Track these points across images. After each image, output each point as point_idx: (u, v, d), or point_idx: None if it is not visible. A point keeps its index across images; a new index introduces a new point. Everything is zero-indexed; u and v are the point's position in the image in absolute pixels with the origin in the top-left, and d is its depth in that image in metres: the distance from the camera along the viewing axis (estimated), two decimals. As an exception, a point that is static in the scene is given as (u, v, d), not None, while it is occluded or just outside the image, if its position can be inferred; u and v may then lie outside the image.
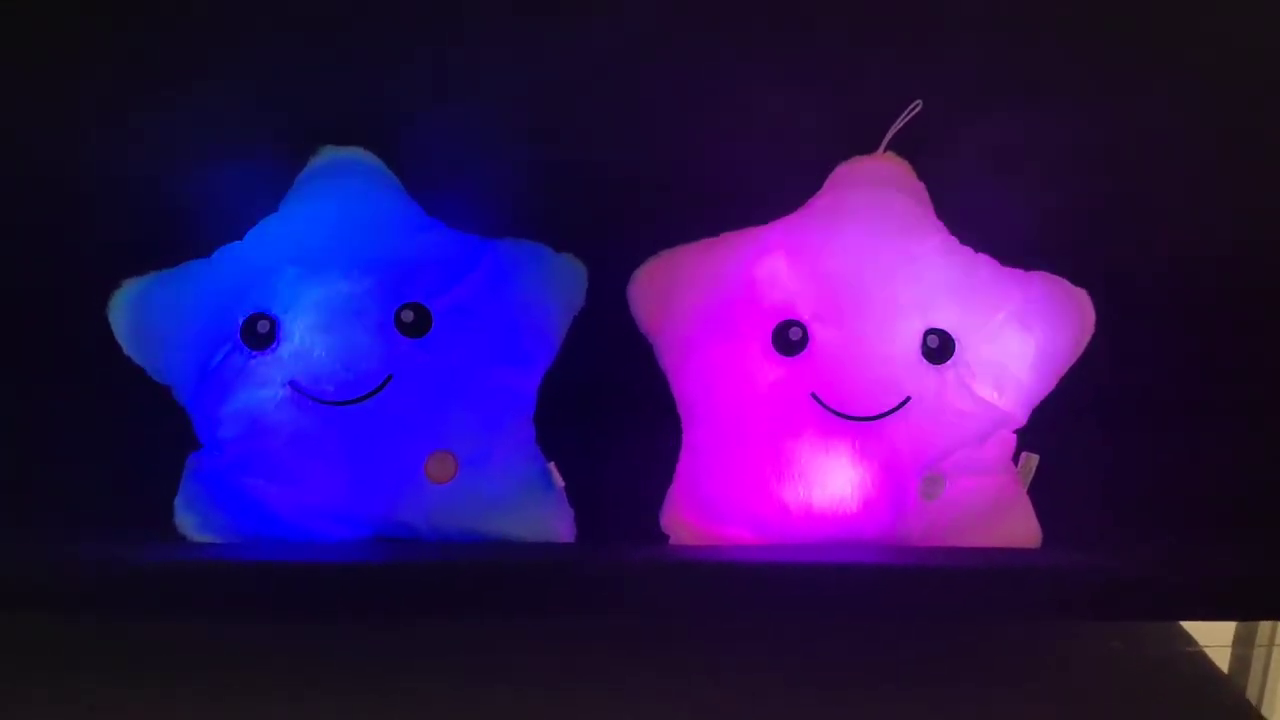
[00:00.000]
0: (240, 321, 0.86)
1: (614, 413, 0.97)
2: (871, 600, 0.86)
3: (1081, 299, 0.92)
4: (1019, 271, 0.92)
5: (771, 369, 0.88)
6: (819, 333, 0.88)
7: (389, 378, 0.86)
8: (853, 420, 0.87)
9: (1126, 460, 1.00)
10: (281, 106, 0.93)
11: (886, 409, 0.87)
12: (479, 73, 0.93)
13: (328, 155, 0.91)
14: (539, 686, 0.90)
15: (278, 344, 0.86)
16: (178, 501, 0.89)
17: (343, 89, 0.93)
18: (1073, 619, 0.93)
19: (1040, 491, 0.94)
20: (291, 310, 0.86)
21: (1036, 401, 0.92)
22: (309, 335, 0.85)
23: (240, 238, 0.89)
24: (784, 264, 0.90)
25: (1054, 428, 0.94)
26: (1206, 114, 0.97)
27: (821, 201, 0.93)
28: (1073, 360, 0.93)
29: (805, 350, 0.88)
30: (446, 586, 0.85)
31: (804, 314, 0.88)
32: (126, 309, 0.88)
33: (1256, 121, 0.97)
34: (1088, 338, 0.93)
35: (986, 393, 0.89)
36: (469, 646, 0.93)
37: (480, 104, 0.94)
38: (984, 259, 0.92)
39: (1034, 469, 0.93)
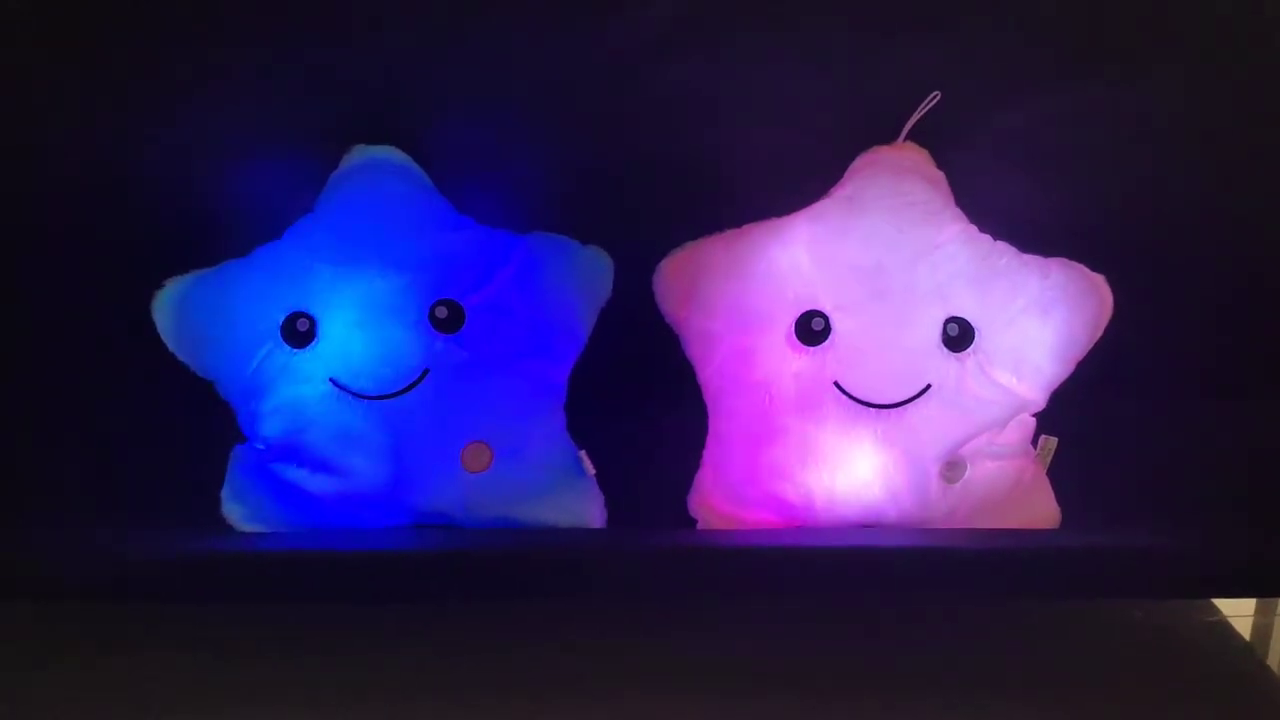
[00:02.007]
0: (280, 320, 0.88)
1: (641, 402, 0.99)
2: (897, 582, 0.88)
3: (1099, 284, 0.93)
4: (1038, 258, 0.93)
5: (795, 358, 0.90)
6: (841, 322, 0.90)
7: (425, 372, 0.89)
8: (875, 408, 0.89)
9: (1144, 441, 1.01)
10: (314, 106, 0.95)
11: (908, 397, 0.89)
12: (505, 71, 0.95)
13: (360, 154, 0.93)
14: (571, 668, 0.93)
15: (317, 341, 0.88)
16: (224, 493, 0.92)
17: (374, 88, 0.95)
18: (1093, 597, 0.94)
19: (1059, 473, 0.96)
20: (329, 308, 0.88)
21: (1055, 385, 0.94)
22: (347, 332, 0.88)
23: (277, 237, 0.92)
24: (806, 255, 0.91)
25: (1072, 410, 0.95)
26: (1230, 98, 0.97)
27: (842, 192, 0.94)
28: (1091, 344, 0.94)
29: (827, 340, 0.90)
30: (483, 571, 0.88)
31: (826, 304, 0.90)
32: (169, 308, 0.91)
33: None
34: (1105, 322, 0.94)
35: (1006, 379, 0.91)
36: (505, 629, 0.96)
37: (507, 101, 0.96)
38: (1003, 246, 0.93)
39: (1053, 451, 0.95)
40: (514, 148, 0.97)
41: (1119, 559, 0.88)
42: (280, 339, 0.89)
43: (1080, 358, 0.94)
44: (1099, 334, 0.94)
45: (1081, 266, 0.94)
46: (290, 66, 0.95)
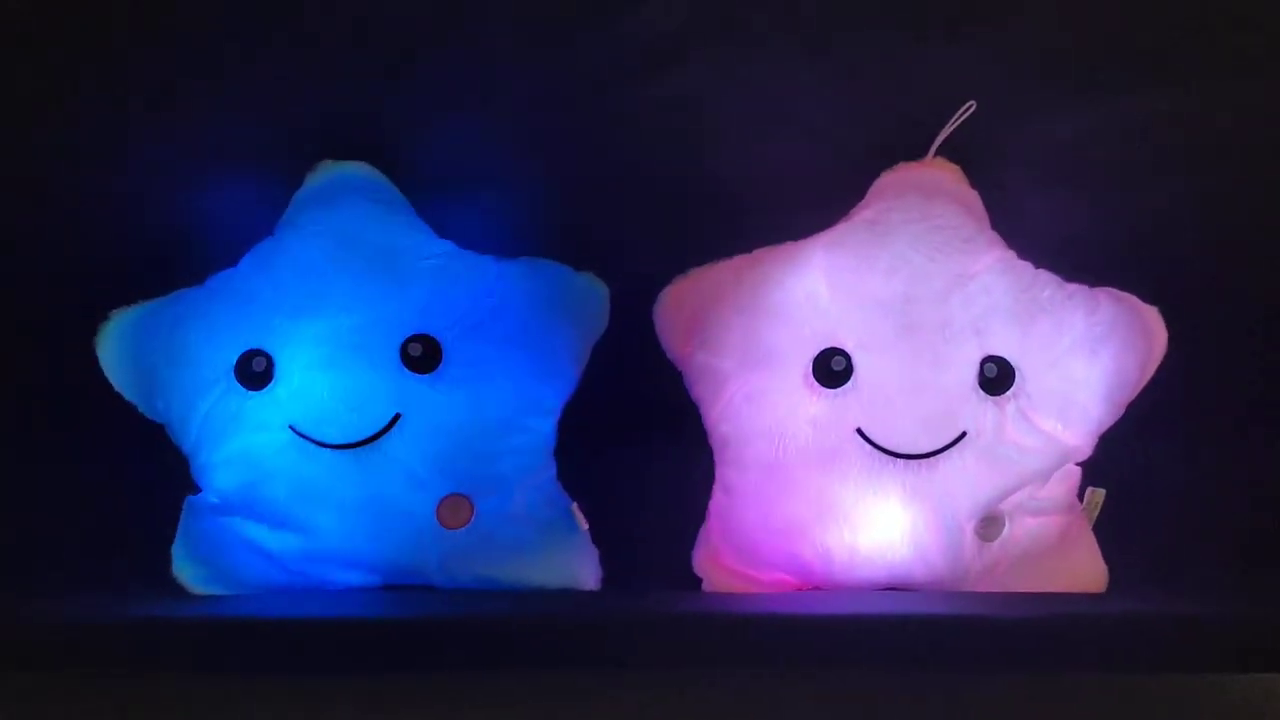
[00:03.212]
0: (234, 359, 0.81)
1: (640, 447, 0.92)
2: (928, 652, 0.78)
3: (1152, 317, 0.85)
4: (1084, 288, 0.85)
5: (813, 402, 0.82)
6: (864, 362, 0.81)
7: (397, 417, 0.81)
8: (902, 458, 0.81)
9: (1202, 491, 0.93)
10: (276, 119, 0.88)
11: (940, 446, 0.81)
12: (489, 79, 0.88)
13: (326, 171, 0.86)
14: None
15: (274, 383, 0.81)
16: (175, 549, 0.84)
17: (342, 98, 0.88)
18: (1145, 673, 0.85)
19: (1106, 527, 0.87)
20: (289, 345, 0.81)
21: (1103, 430, 0.85)
22: (308, 373, 0.80)
23: (233, 264, 0.85)
24: (824, 285, 0.83)
25: (1121, 457, 0.87)
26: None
27: (865, 213, 0.86)
28: (1143, 384, 0.86)
29: (850, 381, 0.81)
30: (462, 639, 0.79)
31: (848, 341, 0.82)
32: (115, 342, 0.84)
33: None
34: (1159, 359, 0.86)
35: (1050, 425, 0.82)
36: (487, 703, 0.87)
37: (492, 113, 0.89)
38: (1045, 276, 0.85)
39: (1100, 504, 0.86)
40: (499, 163, 0.90)
41: (1173, 627, 0.79)
42: (234, 380, 0.81)
43: (1131, 399, 0.85)
44: (1151, 373, 0.86)
45: (1132, 298, 0.86)
46: (249, 74, 0.87)
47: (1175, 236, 0.91)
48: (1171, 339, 0.85)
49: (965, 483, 0.81)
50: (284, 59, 0.86)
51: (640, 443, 0.92)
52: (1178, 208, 0.91)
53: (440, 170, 0.88)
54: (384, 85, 0.87)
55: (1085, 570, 0.86)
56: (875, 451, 0.81)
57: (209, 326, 0.82)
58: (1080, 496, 0.86)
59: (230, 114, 0.87)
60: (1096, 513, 0.86)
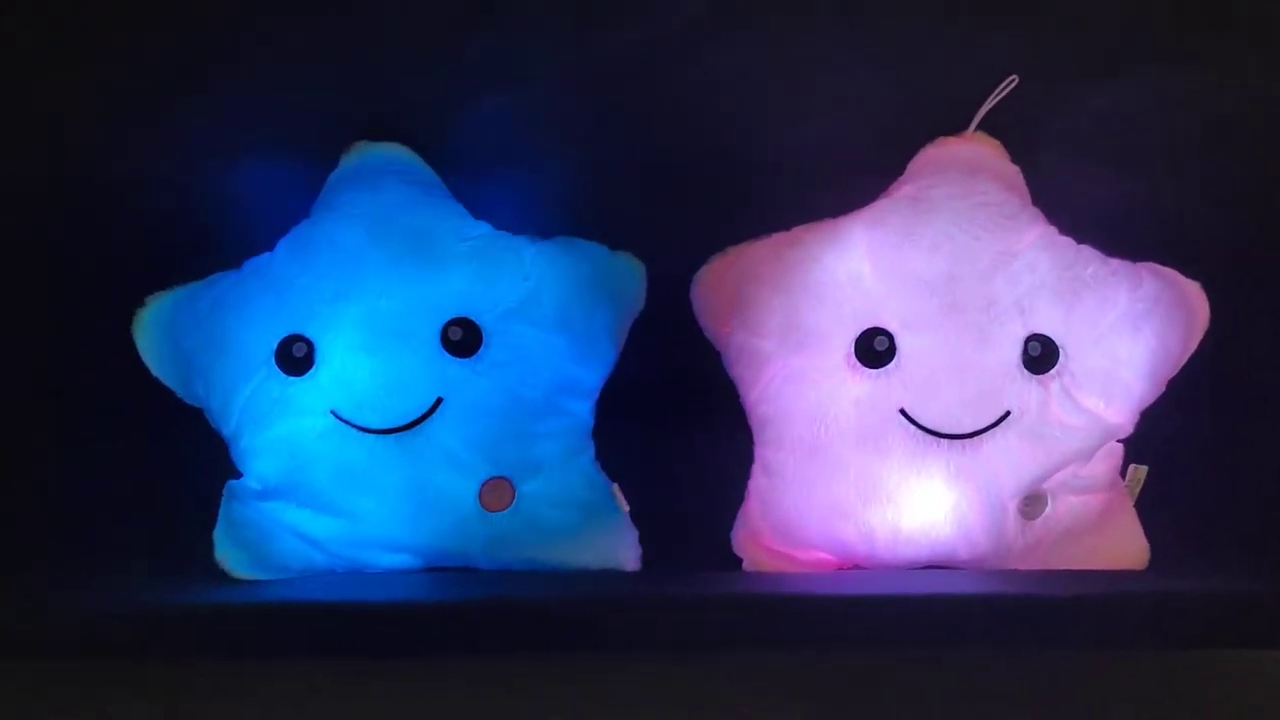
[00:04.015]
0: (274, 344, 0.80)
1: (679, 428, 0.91)
2: (974, 631, 0.78)
3: (1194, 292, 0.84)
4: (1126, 264, 0.84)
5: (855, 382, 0.81)
6: (907, 342, 0.80)
7: (438, 401, 0.80)
8: (946, 438, 0.80)
9: (1243, 466, 0.92)
10: (311, 100, 0.86)
11: (984, 426, 0.80)
12: (524, 59, 0.85)
13: (362, 152, 0.85)
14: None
15: (316, 368, 0.80)
16: (217, 534, 0.83)
17: (377, 79, 0.86)
18: (1189, 649, 0.85)
19: (1147, 503, 0.86)
20: (329, 330, 0.80)
21: (1144, 407, 0.84)
22: (349, 357, 0.79)
23: (270, 247, 0.84)
24: (866, 263, 0.82)
25: (1163, 433, 0.85)
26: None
27: (905, 190, 0.84)
28: (1185, 360, 0.85)
29: (892, 362, 0.80)
30: (506, 621, 0.79)
31: (890, 321, 0.81)
32: (151, 328, 0.83)
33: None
34: (1201, 334, 0.85)
35: (1093, 403, 0.81)
36: (531, 684, 0.87)
37: (526, 93, 0.86)
38: (1088, 251, 0.83)
39: (1142, 481, 0.86)
40: (534, 144, 0.88)
41: (1223, 604, 0.79)
42: (275, 366, 0.80)
43: (1173, 375, 0.84)
44: (1193, 348, 0.85)
45: (1174, 273, 0.85)
46: (283, 54, 0.85)
47: (1217, 211, 0.90)
48: (1213, 313, 0.84)
49: (1009, 462, 0.80)
50: (319, 40, 0.85)
51: (678, 423, 0.91)
52: (1219, 182, 0.89)
53: (475, 151, 0.87)
54: (418, 66, 0.85)
55: (1127, 548, 0.85)
56: (919, 432, 0.80)
57: (247, 312, 0.81)
58: (1123, 474, 0.85)
59: (264, 95, 0.86)
60: (1139, 489, 0.86)
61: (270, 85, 0.86)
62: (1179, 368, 0.84)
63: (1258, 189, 0.90)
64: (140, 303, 0.83)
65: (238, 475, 0.83)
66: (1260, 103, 0.87)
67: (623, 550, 0.84)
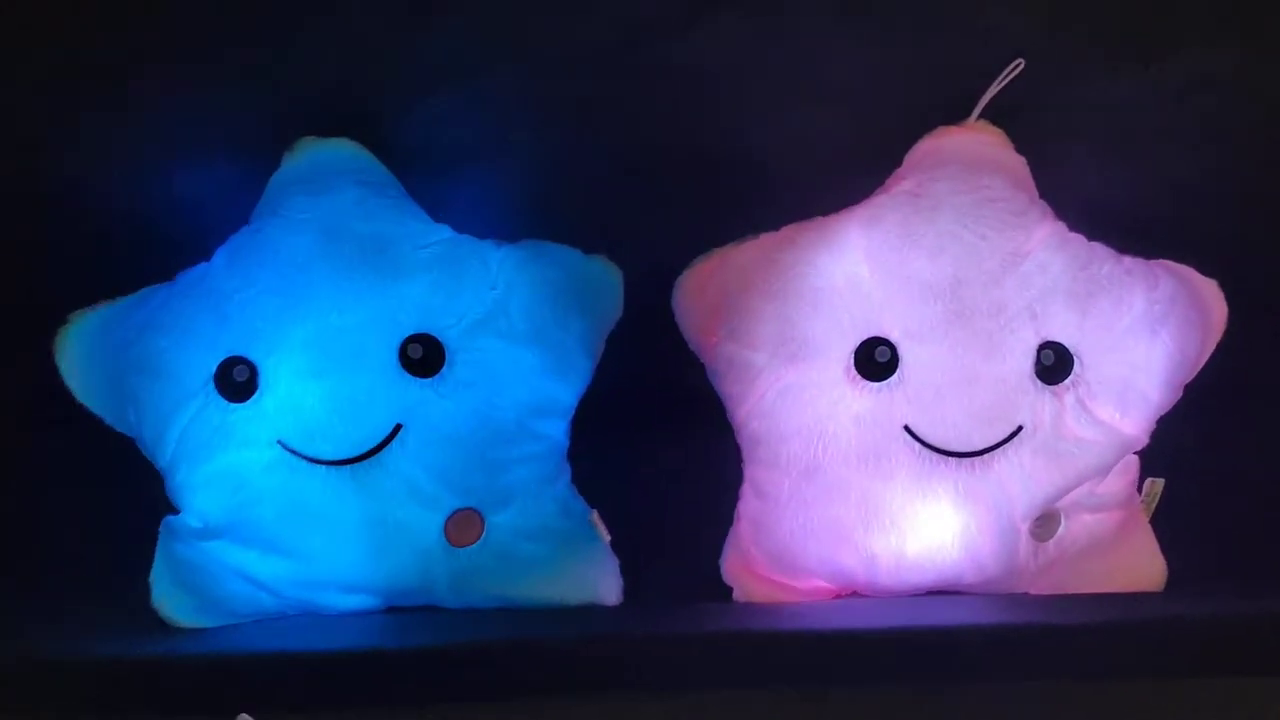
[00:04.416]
0: (213, 367, 0.74)
1: (662, 447, 0.88)
2: (981, 666, 0.74)
3: (1211, 291, 0.81)
4: (1140, 262, 0.80)
5: (855, 397, 0.76)
6: (911, 352, 0.75)
7: (398, 427, 0.75)
8: (954, 456, 0.75)
9: (1263, 475, 0.88)
10: (250, 92, 0.81)
11: (994, 442, 0.75)
12: (488, 44, 0.80)
13: (307, 150, 0.79)
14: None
15: (260, 393, 0.74)
16: (154, 576, 0.77)
17: (324, 68, 0.80)
18: (1207, 677, 0.80)
19: (1161, 518, 0.82)
20: (275, 352, 0.74)
21: (1160, 415, 0.79)
22: (297, 382, 0.74)
23: (206, 257, 0.78)
24: (865, 266, 0.76)
25: (1177, 442, 0.81)
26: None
27: (904, 185, 0.79)
28: (1202, 363, 0.81)
29: (895, 374, 0.75)
30: (477, 665, 0.74)
31: (892, 330, 0.76)
32: (75, 348, 0.78)
33: None
34: (1218, 335, 0.81)
35: (1109, 415, 0.76)
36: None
37: (490, 81, 0.81)
38: (1101, 249, 0.79)
39: (1159, 496, 0.81)
40: (499, 137, 0.83)
41: (1249, 627, 0.74)
42: (214, 391, 0.74)
43: (1189, 380, 0.80)
44: (1210, 351, 0.81)
45: (1190, 271, 0.81)
46: (219, 41, 0.80)
47: (1231, 204, 0.86)
48: (1229, 313, 0.80)
49: (1022, 481, 0.76)
50: (259, 24, 0.79)
51: (661, 441, 0.87)
52: (1234, 173, 0.85)
53: (434, 147, 0.82)
54: (371, 52, 0.80)
55: (1144, 568, 0.81)
56: (925, 450, 0.75)
57: (183, 330, 0.75)
58: (1138, 489, 0.81)
59: (198, 87, 0.80)
60: (1155, 504, 0.81)
61: (205, 76, 0.80)
62: (1196, 372, 0.80)
63: (1274, 180, 0.85)
64: (63, 320, 0.77)
65: (175, 511, 0.77)
66: (1275, 91, 0.83)
67: (603, 583, 0.79)
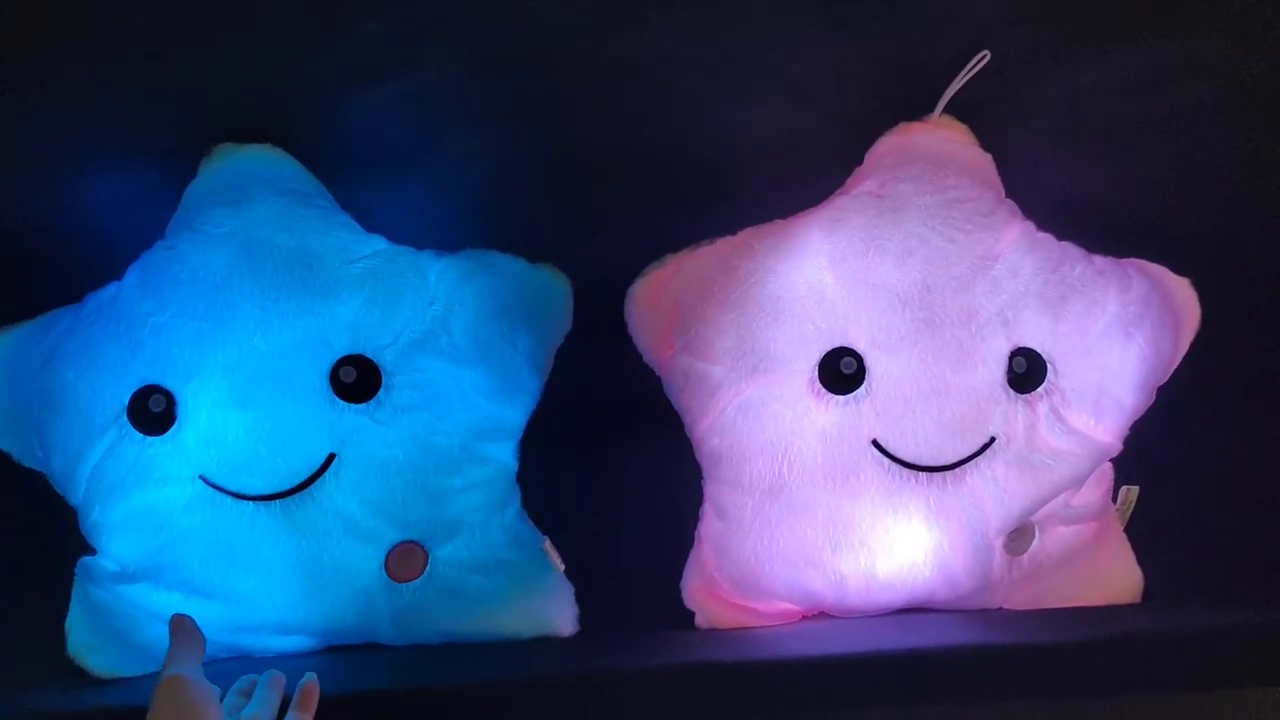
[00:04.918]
0: (127, 397, 0.69)
1: (618, 462, 0.84)
2: (956, 687, 0.72)
3: (1184, 291, 0.78)
4: (1112, 261, 0.77)
5: (821, 411, 0.72)
6: (878, 363, 0.72)
7: (331, 458, 0.71)
8: (925, 471, 0.72)
9: (1237, 479, 0.85)
10: (162, 94, 0.76)
11: (966, 455, 0.72)
12: (420, 37, 0.76)
13: (226, 157, 0.75)
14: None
15: (179, 425, 0.69)
16: (70, 623, 0.72)
17: (243, 67, 0.75)
18: (1183, 692, 0.78)
19: (1138, 527, 0.79)
20: (194, 379, 0.70)
21: (1134, 420, 0.77)
22: (219, 412, 0.70)
23: (117, 276, 0.73)
24: (828, 273, 0.73)
25: (1149, 446, 0.78)
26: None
27: (866, 185, 0.76)
28: (1175, 365, 0.78)
29: (862, 386, 0.72)
30: (423, 707, 0.70)
31: (858, 339, 0.73)
32: None
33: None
34: (1191, 336, 0.79)
35: (1084, 422, 0.73)
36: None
37: (424, 77, 0.78)
38: (1072, 250, 0.76)
39: (1134, 504, 0.78)
40: (435, 138, 0.79)
41: (1213, 644, 0.73)
42: (128, 423, 0.69)
43: (1162, 383, 0.77)
44: (1184, 352, 0.79)
45: (1162, 270, 0.79)
46: (128, 40, 0.75)
47: (1205, 198, 0.84)
48: (1203, 313, 0.78)
49: (995, 495, 0.73)
50: (169, 20, 0.74)
51: (615, 460, 0.85)
52: (1207, 166, 0.83)
53: (364, 151, 0.78)
54: (292, 47, 0.75)
55: (1120, 579, 0.79)
56: (894, 465, 0.72)
57: (92, 358, 0.70)
58: (1113, 497, 0.78)
59: (105, 89, 0.75)
60: (1130, 512, 0.79)
61: (113, 77, 0.76)
62: (1169, 374, 0.78)
63: (1249, 173, 0.83)
64: (-42, 346, 0.72)
65: (92, 552, 0.72)
66: (1252, 79, 0.81)
67: (558, 614, 0.76)
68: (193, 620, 0.64)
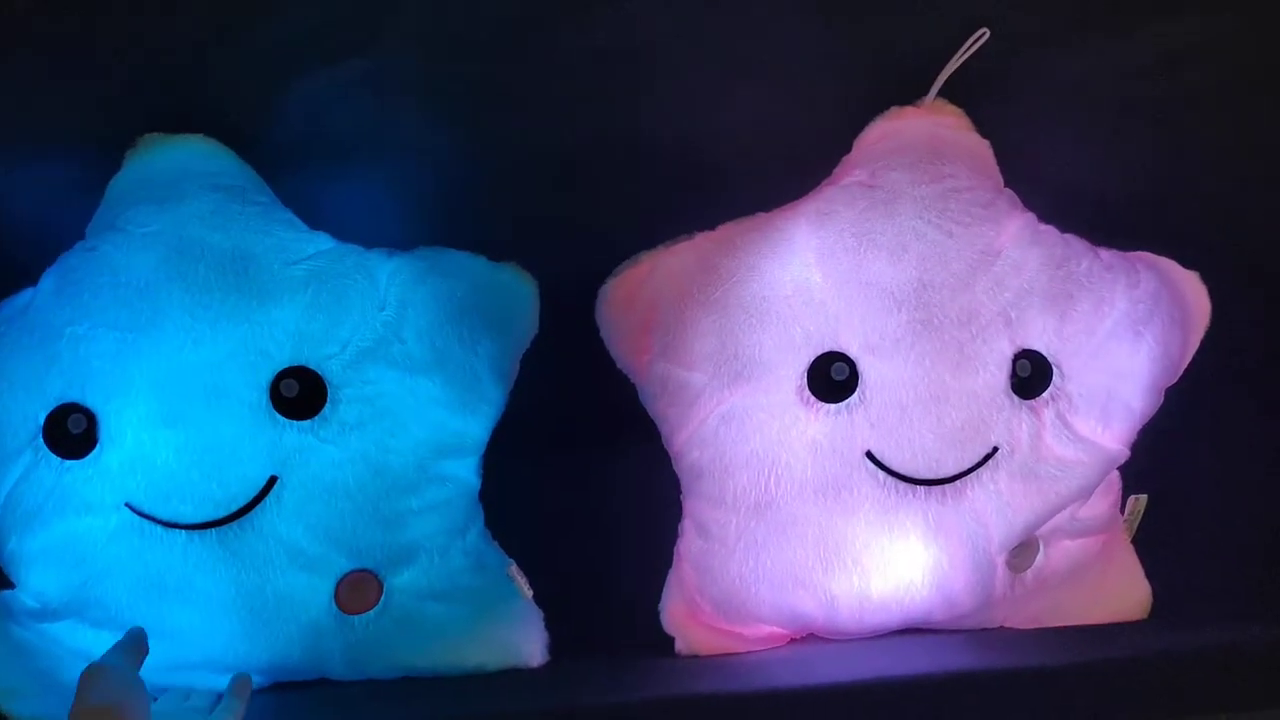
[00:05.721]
0: (42, 417, 0.64)
1: (589, 479, 0.80)
2: (959, 715, 0.67)
3: (1193, 285, 0.76)
4: (1119, 255, 0.74)
5: (810, 421, 0.69)
6: (871, 368, 0.69)
7: (272, 480, 0.66)
8: (923, 485, 0.69)
9: (1247, 486, 0.83)
10: (83, 80, 0.70)
11: (967, 466, 0.69)
12: (368, 18, 0.71)
13: (152, 149, 0.70)
14: None
15: (101, 447, 0.65)
16: None
17: (172, 50, 0.70)
18: (1196, 715, 0.75)
19: (1145, 538, 0.76)
20: (117, 396, 0.65)
21: (1143, 425, 0.73)
22: (146, 432, 0.65)
23: (32, 282, 0.69)
24: (816, 271, 0.69)
25: (1157, 452, 0.74)
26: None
27: (856, 174, 0.72)
28: (1185, 365, 0.75)
29: (854, 394, 0.69)
30: None
31: (850, 343, 0.69)
32: None
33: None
34: (1201, 334, 0.75)
35: (1089, 428, 0.70)
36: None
37: (373, 62, 0.72)
38: (1076, 243, 0.73)
39: (1142, 513, 0.75)
40: (386, 126, 0.74)
41: (1225, 666, 0.69)
42: (44, 446, 0.64)
43: (1172, 384, 0.74)
44: (1194, 350, 0.75)
45: (1170, 263, 0.76)
46: (47, 17, 0.68)
47: (1213, 185, 0.80)
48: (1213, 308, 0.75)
49: (998, 509, 0.69)
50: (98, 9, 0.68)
51: (586, 476, 0.81)
52: (1213, 152, 0.80)
53: (307, 141, 0.73)
54: (225, 28, 0.70)
55: (1128, 595, 0.75)
56: (889, 478, 0.69)
57: (4, 373, 0.66)
58: (1121, 508, 0.74)
59: (17, 73, 0.70)
60: (1138, 523, 0.75)
61: (28, 61, 0.69)
62: (1179, 374, 0.74)
63: (1257, 160, 0.80)
64: None
65: (8, 586, 0.67)
66: (1257, 62, 0.78)
67: (526, 642, 0.71)
68: (143, 631, 0.61)
